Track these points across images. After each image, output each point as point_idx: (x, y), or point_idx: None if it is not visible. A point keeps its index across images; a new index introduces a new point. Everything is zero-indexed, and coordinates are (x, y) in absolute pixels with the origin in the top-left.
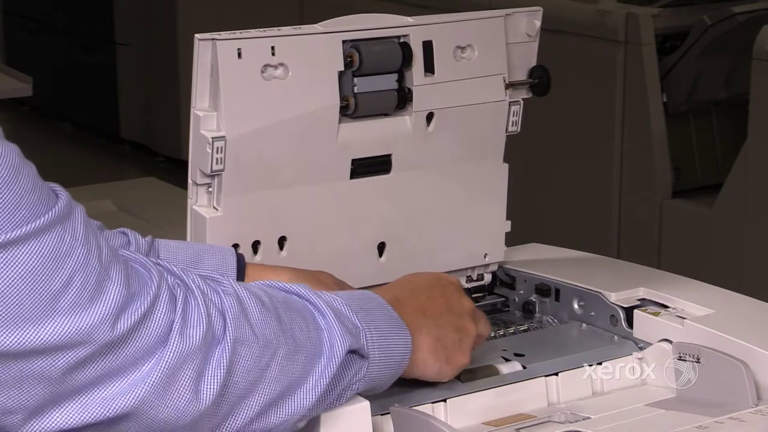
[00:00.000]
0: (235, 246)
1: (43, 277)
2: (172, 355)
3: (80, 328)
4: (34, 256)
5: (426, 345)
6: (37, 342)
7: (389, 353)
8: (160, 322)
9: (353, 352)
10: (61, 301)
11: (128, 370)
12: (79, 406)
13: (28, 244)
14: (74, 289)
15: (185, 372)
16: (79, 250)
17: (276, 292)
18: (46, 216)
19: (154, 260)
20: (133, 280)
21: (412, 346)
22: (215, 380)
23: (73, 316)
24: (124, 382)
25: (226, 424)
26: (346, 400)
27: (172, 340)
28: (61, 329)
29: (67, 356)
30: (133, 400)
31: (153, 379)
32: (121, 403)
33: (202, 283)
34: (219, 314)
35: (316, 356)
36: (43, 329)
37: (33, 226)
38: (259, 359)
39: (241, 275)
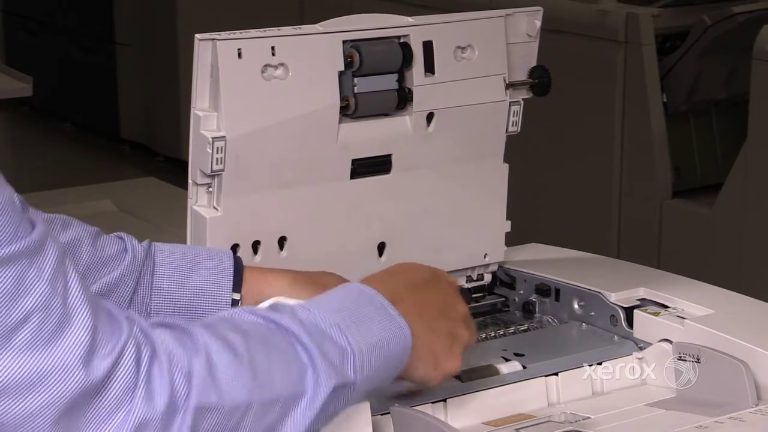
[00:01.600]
0: (235, 246)
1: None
2: (132, 421)
3: (34, 370)
4: None
5: (416, 349)
6: None
7: (382, 363)
8: (120, 383)
9: (338, 387)
10: (16, 337)
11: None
12: None
13: None
14: (30, 328)
15: None
16: (41, 289)
17: (257, 329)
18: (12, 247)
19: (126, 313)
20: (101, 332)
21: (411, 347)
22: None
23: (27, 356)
24: None
25: None
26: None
27: (135, 407)
28: (13, 367)
29: (21, 403)
30: None
31: None
32: None
33: (170, 339)
34: (184, 378)
35: (297, 398)
36: None
37: None
38: (227, 421)
39: (238, 279)
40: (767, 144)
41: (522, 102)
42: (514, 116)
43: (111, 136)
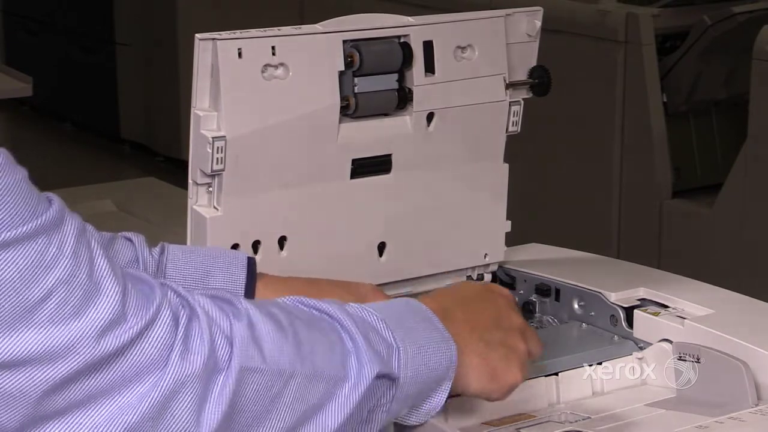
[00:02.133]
0: (235, 246)
1: (20, 287)
2: (167, 381)
3: (58, 343)
4: (12, 265)
5: (469, 362)
6: (10, 353)
7: (426, 370)
8: (155, 344)
9: (382, 377)
10: (38, 313)
11: (116, 394)
12: (64, 430)
13: (8, 252)
14: (54, 303)
15: (182, 400)
16: (64, 263)
17: (301, 311)
18: (31, 224)
19: (160, 280)
20: (130, 298)
21: (457, 360)
22: (217, 410)
23: (50, 330)
24: (112, 406)
25: None
26: (380, 424)
27: (171, 366)
28: (36, 342)
29: (46, 373)
30: (122, 427)
31: (145, 406)
32: (109, 430)
33: (210, 304)
34: (225, 340)
35: (339, 382)
36: (16, 340)
37: (15, 233)
38: (270, 388)
39: (251, 286)
40: (767, 144)
41: (522, 102)
42: (514, 116)
43: (111, 136)
